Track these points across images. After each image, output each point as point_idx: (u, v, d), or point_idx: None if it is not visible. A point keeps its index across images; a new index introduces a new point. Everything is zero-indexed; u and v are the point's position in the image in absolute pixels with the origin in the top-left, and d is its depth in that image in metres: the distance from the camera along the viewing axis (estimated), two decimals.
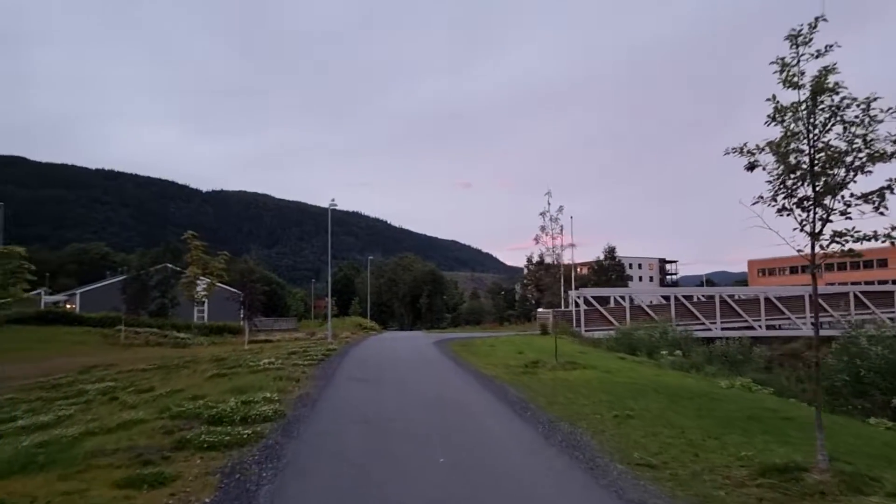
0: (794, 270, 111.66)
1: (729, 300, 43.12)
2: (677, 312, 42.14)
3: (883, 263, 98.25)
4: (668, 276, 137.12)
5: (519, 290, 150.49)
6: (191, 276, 25.35)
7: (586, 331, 41.03)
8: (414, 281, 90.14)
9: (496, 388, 15.42)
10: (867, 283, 79.15)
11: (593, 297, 44.01)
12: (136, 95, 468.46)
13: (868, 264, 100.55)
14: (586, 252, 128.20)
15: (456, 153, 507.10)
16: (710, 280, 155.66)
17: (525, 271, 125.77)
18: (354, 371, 19.38)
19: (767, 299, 42.72)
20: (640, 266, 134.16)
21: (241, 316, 37.74)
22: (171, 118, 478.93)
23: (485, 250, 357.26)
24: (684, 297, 44.22)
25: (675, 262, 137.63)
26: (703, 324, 42.02)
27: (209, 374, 19.53)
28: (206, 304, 56.27)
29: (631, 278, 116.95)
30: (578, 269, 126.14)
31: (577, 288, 49.60)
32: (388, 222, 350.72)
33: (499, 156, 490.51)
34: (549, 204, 21.06)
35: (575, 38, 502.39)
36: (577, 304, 46.26)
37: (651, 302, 45.79)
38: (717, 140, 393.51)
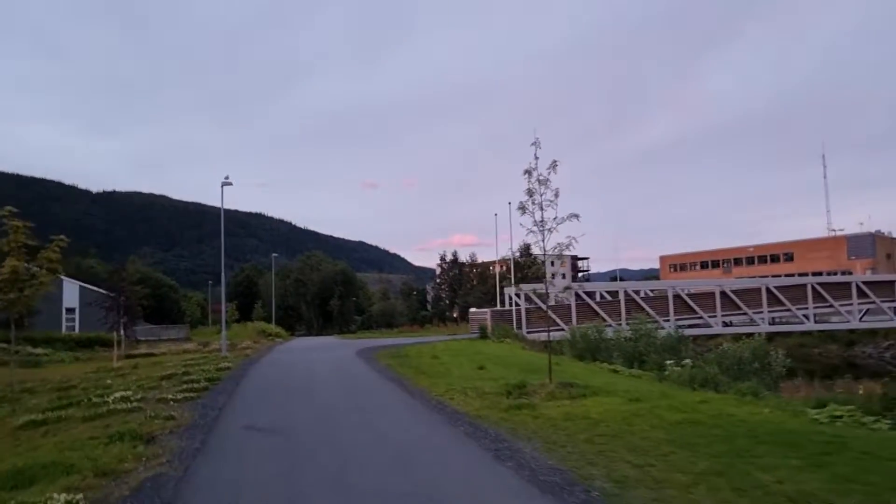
0: (704, 265, 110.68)
1: (682, 294, 38.41)
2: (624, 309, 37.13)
3: (789, 258, 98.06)
4: (581, 273, 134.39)
5: (431, 290, 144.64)
6: (6, 273, 17.51)
7: (528, 332, 35.31)
8: (323, 282, 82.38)
9: (504, 449, 8.65)
10: (775, 276, 77.25)
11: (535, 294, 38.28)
12: (15, 91, 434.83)
13: (775, 258, 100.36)
14: (495, 251, 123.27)
15: (362, 153, 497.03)
16: (618, 277, 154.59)
17: (438, 270, 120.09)
18: (253, 411, 12.41)
19: (723, 293, 38.30)
20: (552, 263, 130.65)
21: (111, 325, 29.69)
22: (56, 115, 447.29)
23: (392, 251, 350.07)
24: (633, 291, 39.15)
25: (587, 258, 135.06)
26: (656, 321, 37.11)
27: (21, 420, 12.26)
28: (76, 312, 47.27)
29: (553, 276, 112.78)
30: (494, 267, 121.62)
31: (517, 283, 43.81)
32: (293, 224, 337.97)
33: (406, 156, 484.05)
34: (535, 159, 14.68)
35: (487, 37, 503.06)
36: (515, 303, 40.55)
37: (598, 298, 40.56)
38: (622, 139, 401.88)
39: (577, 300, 37.69)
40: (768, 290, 38.25)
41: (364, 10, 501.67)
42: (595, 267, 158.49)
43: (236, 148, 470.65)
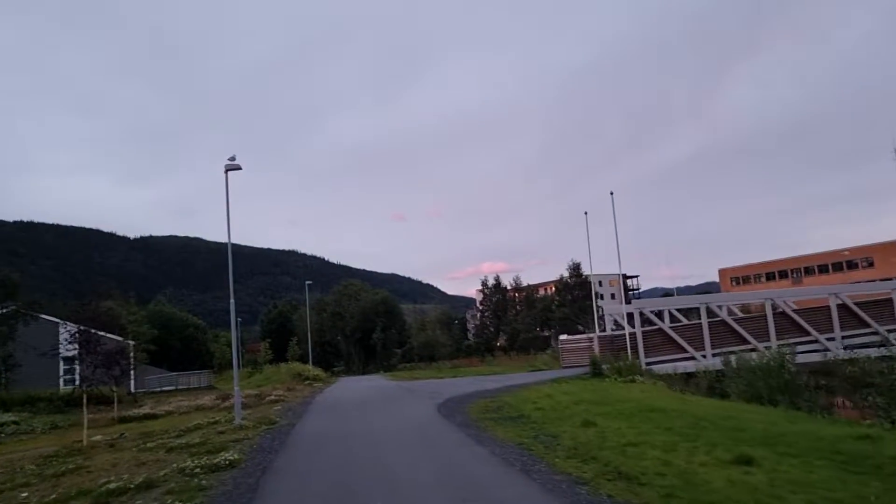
0: (770, 276, 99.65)
1: (849, 302, 28.06)
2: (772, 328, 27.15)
3: (869, 264, 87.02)
4: (632, 292, 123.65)
5: (471, 318, 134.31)
6: None
7: (648, 363, 25.58)
8: (363, 313, 72.85)
9: None
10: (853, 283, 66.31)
11: (653, 312, 28.30)
12: (54, 146, 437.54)
13: (852, 265, 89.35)
14: (540, 273, 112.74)
15: (388, 186, 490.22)
16: (668, 293, 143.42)
17: (480, 297, 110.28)
18: None
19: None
20: (599, 283, 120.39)
21: (86, 382, 20.37)
22: (92, 167, 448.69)
23: (425, 281, 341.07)
24: (783, 301, 28.87)
25: (636, 276, 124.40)
26: (815, 341, 27.00)
27: None
28: (76, 364, 38.27)
29: (601, 296, 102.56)
30: (543, 290, 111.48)
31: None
32: (326, 259, 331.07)
33: (433, 187, 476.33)
34: None
35: (507, 66, 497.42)
36: (618, 326, 30.82)
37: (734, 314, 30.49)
38: (648, 157, 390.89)
39: (710, 317, 27.72)
40: None
41: (384, 46, 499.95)
42: (644, 285, 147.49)
43: (267, 187, 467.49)
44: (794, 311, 27.84)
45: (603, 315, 32.65)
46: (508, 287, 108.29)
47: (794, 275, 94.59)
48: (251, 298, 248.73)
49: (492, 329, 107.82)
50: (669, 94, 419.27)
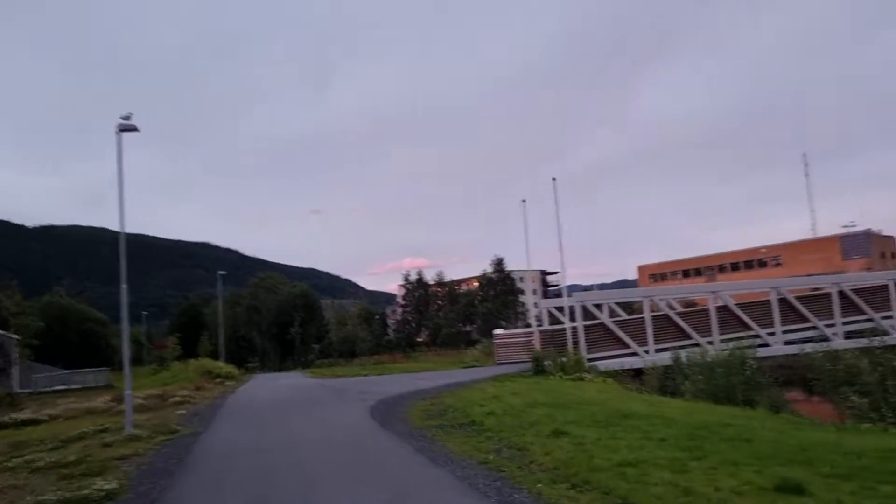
0: (686, 273, 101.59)
1: (790, 297, 27.16)
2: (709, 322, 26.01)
3: (778, 262, 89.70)
4: (551, 288, 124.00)
5: (391, 313, 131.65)
6: None
7: (590, 359, 23.89)
8: (280, 307, 69.03)
9: None
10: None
11: (595, 305, 26.59)
12: None
13: (762, 263, 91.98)
14: (461, 270, 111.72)
15: (308, 180, 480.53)
16: (587, 290, 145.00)
17: (402, 292, 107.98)
18: None
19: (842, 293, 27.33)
20: (521, 279, 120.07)
21: None
22: None
23: (344, 276, 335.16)
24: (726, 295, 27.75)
25: (556, 272, 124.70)
26: (757, 336, 25.98)
27: None
28: None
29: (522, 291, 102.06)
30: (466, 285, 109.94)
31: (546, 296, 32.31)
32: (241, 252, 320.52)
33: (354, 182, 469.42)
34: None
35: (431, 65, 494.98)
36: (554, 320, 29.08)
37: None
38: (568, 158, 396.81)
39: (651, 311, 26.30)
40: (841, 293, 27.35)
41: (308, 40, 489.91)
42: (568, 281, 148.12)
43: (181, 178, 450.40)
44: (736, 305, 26.81)
45: (540, 309, 30.86)
46: (431, 282, 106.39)
47: (709, 272, 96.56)
48: (161, 291, 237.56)
49: (413, 324, 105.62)
50: (588, 99, 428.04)
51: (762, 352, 23.05)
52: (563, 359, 21.85)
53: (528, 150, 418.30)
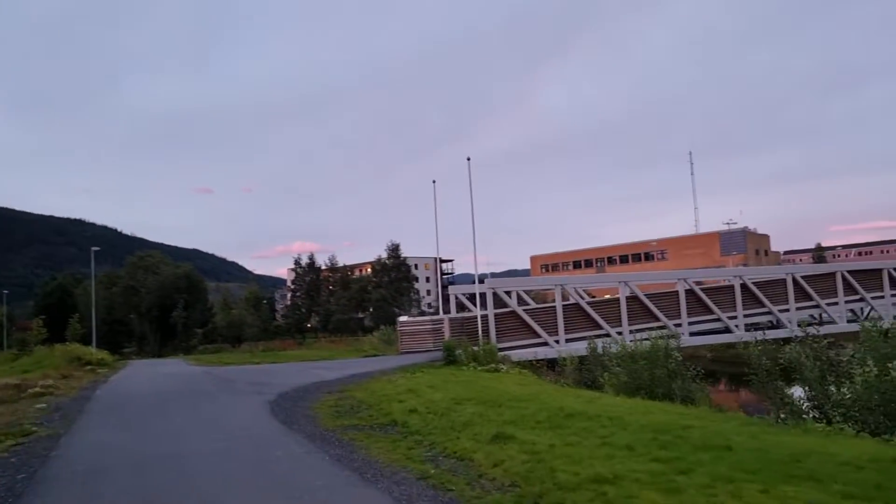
0: (576, 265, 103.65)
1: (696, 289, 27.08)
2: (616, 314, 25.51)
3: (664, 256, 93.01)
4: (446, 276, 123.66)
5: (280, 298, 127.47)
6: None
7: (500, 349, 22.73)
8: (162, 288, 64.23)
9: None
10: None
11: (506, 293, 25.36)
12: None
13: (649, 256, 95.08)
14: (351, 255, 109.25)
15: (193, 157, 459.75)
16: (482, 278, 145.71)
17: (292, 276, 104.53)
18: None
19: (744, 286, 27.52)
20: (415, 266, 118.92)
21: None
22: None
23: (230, 259, 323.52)
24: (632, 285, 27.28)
25: (451, 260, 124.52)
26: (664, 326, 25.68)
27: None
28: None
29: (417, 279, 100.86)
30: (359, 271, 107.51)
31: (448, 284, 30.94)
32: (119, 230, 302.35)
33: (243, 161, 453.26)
34: None
35: (331, 45, 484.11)
36: (462, 307, 27.75)
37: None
38: (466, 147, 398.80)
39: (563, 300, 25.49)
40: (795, 281, 28.03)
41: (191, 8, 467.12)
42: (457, 269, 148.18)
43: (51, 150, 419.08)
44: (646, 295, 26.45)
45: (448, 296, 29.47)
46: (323, 267, 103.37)
47: (598, 264, 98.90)
48: (27, 270, 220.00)
49: (304, 310, 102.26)
50: (488, 89, 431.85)
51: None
52: (475, 348, 20.52)
53: (419, 138, 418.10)
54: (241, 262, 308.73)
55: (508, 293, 25.51)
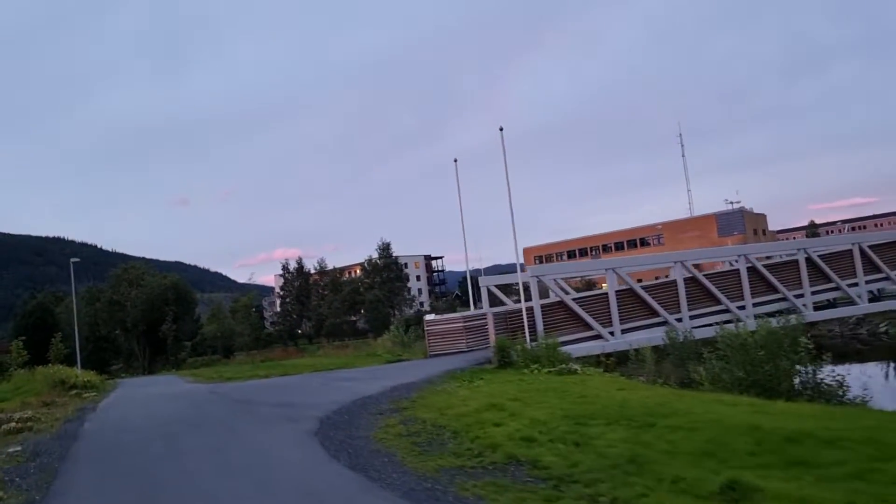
0: (571, 254, 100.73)
1: (814, 256, 23.84)
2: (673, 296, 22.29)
3: (660, 240, 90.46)
4: (436, 274, 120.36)
5: (269, 305, 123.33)
6: None
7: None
8: (149, 300, 60.10)
9: None
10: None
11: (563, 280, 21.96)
12: None
13: (645, 242, 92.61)
14: (335, 259, 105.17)
15: (170, 168, 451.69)
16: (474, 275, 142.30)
17: (280, 282, 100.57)
18: None
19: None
20: (405, 265, 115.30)
21: None
22: None
23: (213, 269, 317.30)
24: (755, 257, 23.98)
25: (440, 258, 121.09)
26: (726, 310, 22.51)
27: None
28: None
29: (408, 278, 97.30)
30: (348, 273, 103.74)
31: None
32: (100, 247, 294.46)
33: (220, 170, 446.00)
34: None
35: (298, 47, 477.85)
36: (486, 297, 24.38)
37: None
38: (442, 144, 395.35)
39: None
40: (862, 251, 24.88)
41: (163, 14, 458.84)
42: (453, 267, 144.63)
43: (22, 166, 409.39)
44: (704, 276, 23.28)
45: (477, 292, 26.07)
46: (312, 271, 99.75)
47: (594, 252, 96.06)
48: (6, 292, 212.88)
49: (295, 316, 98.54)
50: (460, 85, 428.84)
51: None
52: (532, 345, 17.20)
53: (393, 139, 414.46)
54: (224, 272, 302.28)
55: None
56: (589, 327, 20.70)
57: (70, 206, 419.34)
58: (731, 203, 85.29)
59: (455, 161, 23.41)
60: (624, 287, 22.18)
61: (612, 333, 20.70)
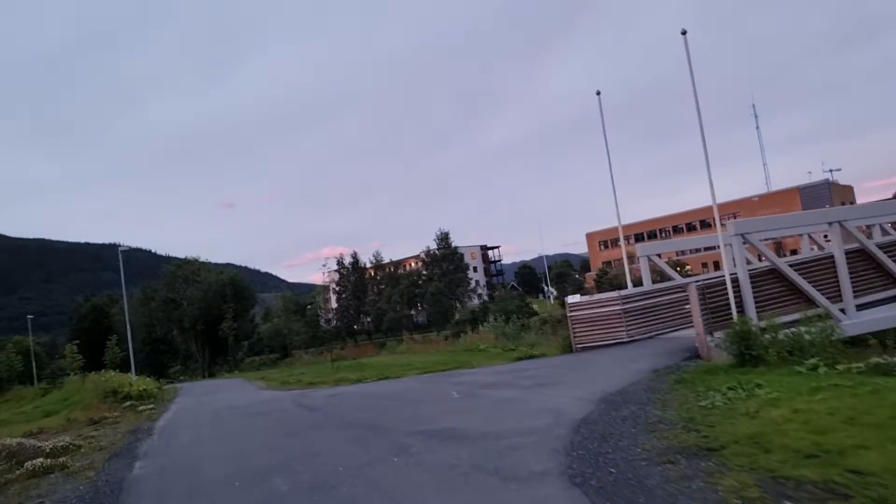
0: (639, 238, 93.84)
1: None
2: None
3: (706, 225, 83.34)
4: (493, 264, 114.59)
5: (324, 302, 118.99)
6: None
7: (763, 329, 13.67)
8: (206, 298, 55.72)
9: None
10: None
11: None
12: None
13: (692, 227, 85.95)
14: (384, 254, 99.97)
15: (214, 173, 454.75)
16: (527, 266, 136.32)
17: (336, 278, 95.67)
18: None
19: None
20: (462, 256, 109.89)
21: None
22: None
23: (263, 270, 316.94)
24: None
25: (497, 247, 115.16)
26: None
27: None
28: None
29: (468, 267, 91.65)
30: (404, 266, 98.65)
31: None
32: (153, 251, 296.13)
33: (263, 172, 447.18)
34: None
35: (331, 49, 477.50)
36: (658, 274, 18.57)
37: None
38: (482, 138, 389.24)
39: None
40: None
41: (201, 25, 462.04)
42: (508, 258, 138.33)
43: (78, 178, 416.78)
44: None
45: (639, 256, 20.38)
46: (368, 265, 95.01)
47: (663, 234, 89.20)
48: (66, 299, 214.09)
49: (352, 311, 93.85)
50: (498, 76, 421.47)
51: None
52: (789, 333, 11.33)
53: (432, 133, 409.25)
54: (274, 273, 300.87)
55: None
56: (811, 303, 14.78)
57: (123, 213, 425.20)
58: (829, 171, 77.78)
59: (598, 93, 17.72)
60: (854, 247, 16.10)
61: (842, 311, 14.78)
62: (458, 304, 79.79)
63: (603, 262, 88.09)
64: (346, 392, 16.37)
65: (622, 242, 19.34)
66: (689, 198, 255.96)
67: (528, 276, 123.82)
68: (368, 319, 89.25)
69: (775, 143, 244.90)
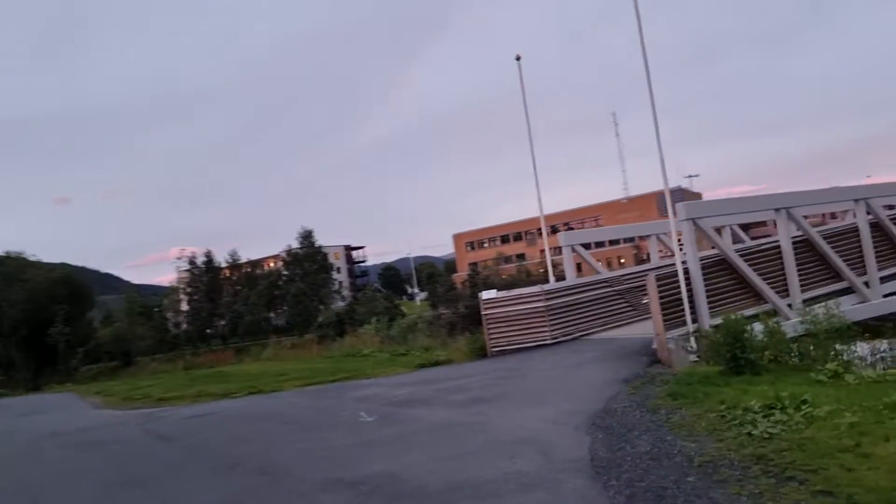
0: (504, 240, 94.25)
1: None
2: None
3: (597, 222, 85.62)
4: (357, 265, 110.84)
5: (171, 304, 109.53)
6: None
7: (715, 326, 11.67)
8: (33, 299, 47.79)
9: None
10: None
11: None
12: None
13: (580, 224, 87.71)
14: (246, 254, 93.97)
15: (45, 166, 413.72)
16: (391, 267, 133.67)
17: (187, 278, 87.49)
18: None
19: None
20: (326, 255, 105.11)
21: None
22: None
23: (104, 270, 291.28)
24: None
25: (362, 247, 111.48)
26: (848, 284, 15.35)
27: None
28: None
29: (332, 268, 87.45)
30: (264, 266, 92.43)
31: None
32: None
33: (106, 167, 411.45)
34: None
35: (195, 38, 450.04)
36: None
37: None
38: (349, 139, 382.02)
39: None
40: None
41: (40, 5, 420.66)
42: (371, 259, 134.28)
43: None
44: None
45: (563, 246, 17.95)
46: (223, 264, 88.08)
47: (528, 237, 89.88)
48: None
49: (205, 315, 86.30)
50: (365, 77, 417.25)
51: None
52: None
53: (297, 132, 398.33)
54: (117, 274, 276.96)
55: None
56: (760, 298, 13.06)
57: None
58: (689, 176, 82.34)
59: (518, 58, 15.53)
60: (800, 236, 14.56)
61: (789, 305, 13.22)
62: (321, 306, 75.45)
63: (469, 264, 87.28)
64: (212, 411, 12.66)
65: (545, 231, 17.02)
66: (571, 196, 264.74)
67: (392, 278, 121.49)
68: (223, 323, 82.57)
69: (638, 149, 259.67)
